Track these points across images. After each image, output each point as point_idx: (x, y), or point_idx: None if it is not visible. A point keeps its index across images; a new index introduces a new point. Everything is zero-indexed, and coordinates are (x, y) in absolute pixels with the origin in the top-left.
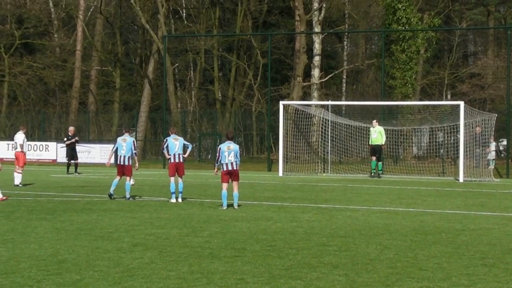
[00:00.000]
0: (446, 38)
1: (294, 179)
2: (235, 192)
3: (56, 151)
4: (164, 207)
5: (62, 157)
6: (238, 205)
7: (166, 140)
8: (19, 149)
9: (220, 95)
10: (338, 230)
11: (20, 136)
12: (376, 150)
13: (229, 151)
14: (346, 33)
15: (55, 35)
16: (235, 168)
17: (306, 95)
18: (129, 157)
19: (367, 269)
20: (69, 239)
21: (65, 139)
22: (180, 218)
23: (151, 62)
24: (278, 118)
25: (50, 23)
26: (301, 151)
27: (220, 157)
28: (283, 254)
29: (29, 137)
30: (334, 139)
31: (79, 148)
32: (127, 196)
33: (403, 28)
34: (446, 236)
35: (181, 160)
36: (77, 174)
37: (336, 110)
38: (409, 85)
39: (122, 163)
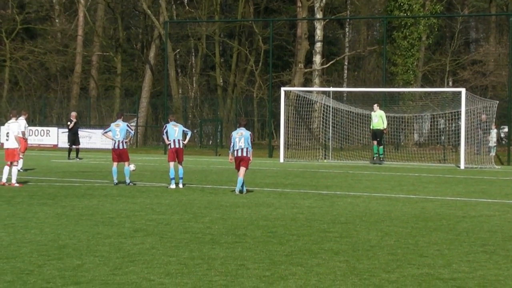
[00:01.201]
0: (448, 24)
1: (295, 165)
2: (240, 177)
3: (57, 136)
4: (165, 192)
5: (63, 142)
6: (240, 191)
7: (166, 126)
8: (20, 135)
9: (221, 81)
10: (339, 217)
11: (21, 122)
12: (377, 135)
13: (239, 137)
14: (348, 20)
15: (57, 20)
16: (245, 154)
17: (307, 82)
18: (124, 142)
19: (368, 256)
20: (70, 224)
21: (68, 123)
22: (181, 204)
23: (152, 48)
24: (279, 104)
25: (51, 8)
26: (302, 138)
27: (232, 144)
28: (283, 240)
29: (30, 122)
30: (335, 126)
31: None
32: (127, 181)
33: (405, 14)
34: (447, 223)
35: (181, 146)
36: (78, 159)
37: (338, 96)
38: (411, 72)
39: (117, 147)
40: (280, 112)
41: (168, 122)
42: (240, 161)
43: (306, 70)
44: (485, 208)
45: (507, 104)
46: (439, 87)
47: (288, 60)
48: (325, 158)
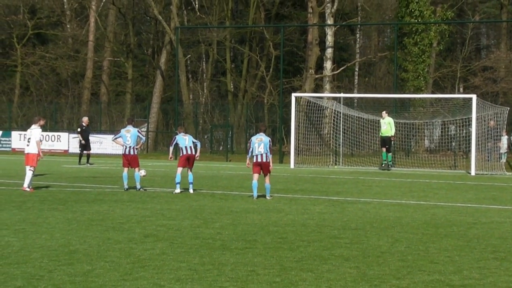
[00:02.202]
0: (459, 31)
1: (306, 171)
2: (267, 183)
3: (68, 142)
4: (176, 198)
5: (74, 148)
6: (271, 196)
7: (175, 138)
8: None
9: (232, 86)
10: (349, 223)
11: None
12: (385, 141)
13: (259, 143)
14: (359, 26)
15: (68, 26)
16: (264, 160)
17: (318, 87)
18: (134, 148)
19: (378, 262)
20: (80, 230)
21: (79, 129)
22: (191, 210)
23: (163, 53)
24: (290, 110)
25: (63, 14)
26: (312, 143)
27: (251, 149)
28: (294, 246)
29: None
30: (346, 132)
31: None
32: (138, 186)
33: (416, 20)
34: (457, 229)
35: (193, 152)
36: (88, 164)
37: (348, 102)
38: (422, 78)
39: (128, 153)
40: (290, 118)
41: (176, 134)
42: (261, 167)
43: (316, 76)
44: (496, 215)
45: None
46: (450, 93)
47: (299, 66)
48: (335, 164)
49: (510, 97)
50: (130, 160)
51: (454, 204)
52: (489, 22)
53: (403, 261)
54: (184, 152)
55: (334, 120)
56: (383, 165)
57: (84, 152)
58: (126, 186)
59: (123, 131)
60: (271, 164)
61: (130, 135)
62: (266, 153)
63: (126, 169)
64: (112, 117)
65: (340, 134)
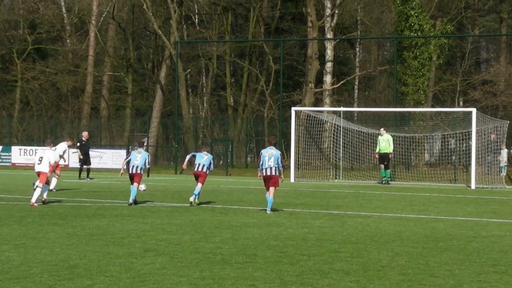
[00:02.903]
0: (459, 45)
1: (306, 185)
2: (270, 197)
3: (68, 156)
4: (176, 212)
5: (74, 162)
6: (272, 210)
7: (195, 154)
8: (54, 161)
9: (232, 101)
10: (349, 237)
11: (62, 146)
12: (384, 158)
13: (269, 156)
14: (359, 40)
15: (68, 41)
16: (273, 173)
17: (318, 101)
18: (141, 168)
19: (379, 276)
20: (80, 244)
21: (78, 144)
22: (191, 224)
23: (163, 68)
24: (290, 124)
25: (62, 29)
26: (312, 157)
27: (261, 162)
28: (294, 260)
29: (41, 142)
30: (346, 146)
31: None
32: (130, 201)
33: (416, 34)
34: (457, 243)
35: (204, 170)
36: (89, 179)
37: (348, 116)
38: (421, 92)
39: (134, 171)
40: (290, 132)
41: (199, 151)
42: (270, 180)
43: (316, 90)
44: (496, 228)
45: None
46: (450, 107)
47: (298, 80)
48: (335, 178)
49: (510, 111)
50: (134, 176)
51: (454, 217)
52: (489, 36)
53: (403, 275)
54: (195, 169)
55: (334, 134)
56: (383, 182)
57: (84, 166)
58: (130, 201)
59: (134, 152)
60: (282, 176)
61: (140, 156)
62: (275, 167)
63: (135, 184)
64: (112, 131)
65: (340, 148)
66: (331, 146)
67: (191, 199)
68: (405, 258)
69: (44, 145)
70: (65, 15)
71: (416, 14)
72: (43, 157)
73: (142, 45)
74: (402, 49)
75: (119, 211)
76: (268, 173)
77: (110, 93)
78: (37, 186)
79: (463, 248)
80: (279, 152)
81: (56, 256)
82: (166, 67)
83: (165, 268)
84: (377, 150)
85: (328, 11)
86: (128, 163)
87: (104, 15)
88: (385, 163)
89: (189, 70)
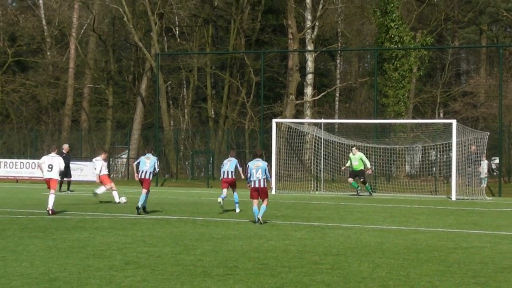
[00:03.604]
0: (439, 56)
1: (287, 197)
2: (264, 205)
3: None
4: (157, 225)
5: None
6: (264, 222)
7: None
8: (103, 172)
9: (213, 113)
10: (330, 248)
11: (100, 162)
12: (358, 174)
13: (256, 169)
14: (339, 51)
15: (48, 53)
16: (262, 185)
17: (299, 113)
18: (150, 172)
19: None
20: (60, 257)
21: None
22: (172, 236)
23: (144, 80)
24: (270, 136)
25: (43, 41)
26: (293, 169)
27: (249, 174)
28: (275, 272)
29: (22, 154)
30: (327, 157)
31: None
32: (139, 205)
33: (396, 46)
34: (438, 254)
35: (231, 176)
36: (69, 192)
37: (329, 128)
38: (402, 103)
39: (142, 177)
40: (271, 143)
41: (226, 157)
42: (259, 192)
43: (297, 102)
44: (477, 240)
45: (498, 136)
46: (430, 118)
47: (279, 92)
48: (316, 189)
49: (490, 122)
50: (143, 182)
51: (435, 229)
52: (469, 47)
53: (384, 286)
54: (224, 176)
55: (315, 146)
56: (358, 192)
57: (65, 179)
58: (139, 205)
59: (143, 158)
60: (271, 186)
61: (149, 162)
62: (264, 178)
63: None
64: (93, 144)
65: (321, 159)
66: (312, 157)
67: (220, 199)
68: (386, 270)
69: (49, 152)
70: (45, 27)
71: (396, 26)
72: (53, 164)
73: (123, 57)
74: (382, 61)
75: (99, 223)
76: (257, 185)
77: (90, 105)
78: (51, 194)
79: (443, 259)
80: (266, 163)
81: (36, 269)
82: (147, 79)
83: (145, 281)
84: (347, 165)
85: (308, 23)
86: (137, 167)
87: (84, 27)
88: (362, 179)
89: (169, 82)
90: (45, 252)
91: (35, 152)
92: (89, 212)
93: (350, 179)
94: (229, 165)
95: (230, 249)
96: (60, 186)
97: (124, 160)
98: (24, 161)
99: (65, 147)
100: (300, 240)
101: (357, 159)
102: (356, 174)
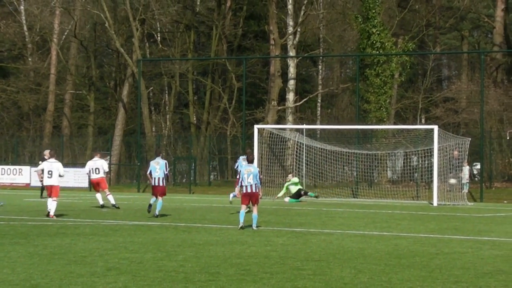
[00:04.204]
0: (420, 62)
1: (269, 202)
2: (254, 213)
3: (30, 175)
4: (138, 231)
5: (35, 181)
6: (257, 227)
7: (240, 171)
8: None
9: (195, 119)
10: (312, 254)
11: (101, 161)
12: (300, 194)
13: (248, 174)
14: (321, 57)
15: (29, 59)
16: (254, 190)
17: (280, 119)
18: (163, 179)
19: None
20: (42, 264)
21: (40, 162)
22: (154, 242)
23: (125, 86)
24: (252, 142)
25: (24, 47)
26: (275, 175)
27: (241, 179)
28: (257, 278)
29: (3, 160)
30: (308, 163)
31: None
32: (157, 213)
33: (378, 52)
34: (420, 259)
35: (254, 190)
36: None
37: (311, 134)
38: (384, 109)
39: (157, 184)
40: (253, 149)
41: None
42: (250, 198)
43: (279, 108)
44: (458, 245)
45: (479, 141)
46: (412, 124)
47: (261, 98)
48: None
49: (471, 128)
50: (158, 190)
51: (417, 234)
52: (450, 53)
53: None
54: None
55: (297, 152)
56: (317, 197)
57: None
58: (151, 202)
59: (152, 163)
60: (260, 193)
61: (159, 167)
62: (255, 184)
63: (154, 198)
64: (74, 150)
65: (303, 165)
66: (294, 163)
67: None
68: (368, 275)
69: (44, 159)
70: (26, 33)
71: (378, 32)
72: (53, 171)
73: (104, 63)
74: (364, 67)
75: (81, 229)
76: (249, 190)
77: (72, 111)
78: (52, 200)
79: (425, 265)
80: (258, 169)
81: (18, 276)
82: (129, 85)
83: (127, 287)
84: (284, 192)
85: (290, 29)
86: (150, 174)
87: (66, 33)
88: (303, 192)
89: (151, 88)
90: (26, 258)
91: (16, 158)
92: (70, 218)
93: (303, 198)
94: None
95: (212, 255)
96: (41, 193)
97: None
98: (5, 167)
99: (46, 153)
100: (282, 246)
101: (293, 184)
102: (299, 194)
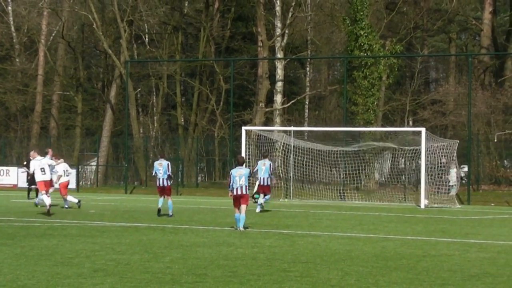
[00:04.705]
0: (408, 64)
1: (256, 205)
2: (243, 214)
3: (17, 176)
4: (125, 232)
5: (23, 182)
6: (245, 228)
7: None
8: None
9: (182, 120)
10: (299, 256)
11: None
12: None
13: (239, 176)
14: (309, 59)
15: (17, 60)
16: (244, 192)
17: (268, 121)
18: (165, 179)
19: None
20: (29, 265)
21: (25, 162)
22: (141, 244)
23: (113, 87)
24: (240, 143)
25: (11, 48)
26: None
27: (231, 182)
28: (244, 280)
29: None
30: (296, 165)
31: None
32: (170, 213)
33: (365, 54)
34: (407, 262)
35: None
36: (37, 199)
37: (299, 135)
38: (371, 111)
39: (161, 185)
40: (241, 151)
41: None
42: (241, 199)
43: (267, 110)
44: (445, 248)
45: (467, 144)
46: (400, 126)
47: (249, 100)
48: (286, 197)
49: (459, 130)
50: (163, 190)
51: (404, 237)
52: (438, 56)
53: None
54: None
55: (284, 153)
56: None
57: (33, 186)
58: (159, 206)
59: (156, 163)
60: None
61: (162, 168)
62: (246, 185)
63: (161, 198)
64: (62, 151)
65: (290, 167)
66: (282, 165)
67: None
68: (355, 277)
69: (31, 157)
70: (14, 34)
71: (366, 34)
72: (44, 167)
73: (92, 64)
74: (352, 69)
75: (68, 231)
76: (239, 192)
77: (59, 112)
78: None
79: (412, 267)
80: (248, 170)
81: (4, 277)
82: (116, 87)
83: None
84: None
85: (278, 31)
86: (156, 176)
87: (53, 34)
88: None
89: (139, 89)
90: (13, 259)
91: (3, 159)
92: (57, 219)
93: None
94: (264, 170)
95: (199, 257)
96: (28, 194)
97: (94, 167)
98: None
99: (32, 153)
100: (269, 247)
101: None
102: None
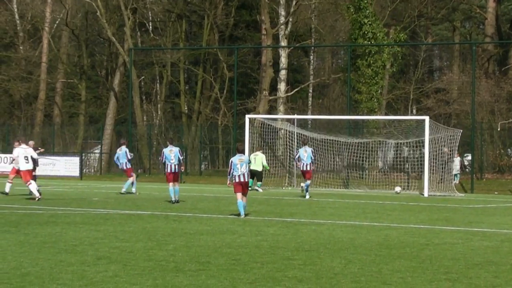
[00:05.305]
0: (412, 53)
1: (260, 192)
2: (244, 202)
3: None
4: (129, 220)
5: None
6: (246, 214)
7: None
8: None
9: (186, 108)
10: (303, 244)
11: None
12: (256, 175)
13: (241, 164)
14: (313, 47)
15: (21, 47)
16: (246, 179)
17: (272, 109)
18: (176, 165)
19: (332, 283)
20: (32, 252)
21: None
22: (145, 232)
23: (117, 75)
24: (244, 131)
25: (15, 35)
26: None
27: (232, 170)
28: (247, 268)
29: None
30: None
31: (43, 160)
32: (177, 199)
33: (369, 42)
34: (410, 250)
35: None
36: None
37: (302, 124)
38: (375, 100)
39: (173, 171)
40: (244, 139)
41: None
42: (243, 186)
43: (270, 98)
44: (449, 236)
45: (470, 133)
46: (403, 115)
47: (252, 88)
48: (289, 185)
49: (462, 119)
50: (175, 177)
51: (407, 225)
52: (442, 44)
53: (356, 282)
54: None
55: (288, 142)
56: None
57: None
58: (173, 199)
59: (166, 150)
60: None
61: (173, 155)
62: (247, 172)
63: (171, 184)
64: (65, 138)
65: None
66: (285, 153)
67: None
68: (358, 266)
69: (17, 145)
70: (18, 21)
71: (370, 23)
72: (28, 156)
73: (96, 52)
74: (355, 57)
75: (71, 218)
76: (242, 180)
77: (63, 100)
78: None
79: (415, 255)
80: (248, 157)
81: (8, 264)
82: (120, 74)
83: (117, 276)
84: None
85: (282, 19)
86: (164, 163)
87: (57, 22)
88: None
89: (143, 77)
90: (16, 247)
91: (7, 146)
92: (61, 207)
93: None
94: (306, 156)
95: (202, 245)
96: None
97: (97, 155)
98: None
99: (31, 143)
100: (272, 235)
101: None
102: (254, 174)
